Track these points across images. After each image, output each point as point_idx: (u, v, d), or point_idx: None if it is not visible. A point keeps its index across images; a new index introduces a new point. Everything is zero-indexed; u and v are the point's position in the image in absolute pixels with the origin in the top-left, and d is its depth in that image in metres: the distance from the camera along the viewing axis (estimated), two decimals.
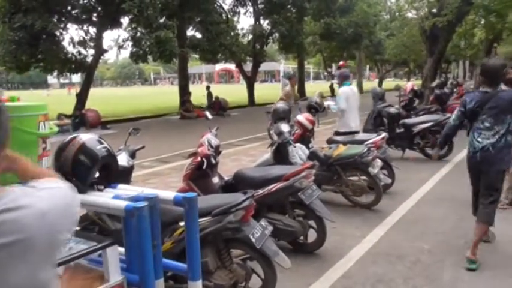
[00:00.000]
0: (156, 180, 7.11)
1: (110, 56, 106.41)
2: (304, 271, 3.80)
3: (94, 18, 17.52)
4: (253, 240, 2.97)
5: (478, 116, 3.77)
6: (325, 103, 7.47)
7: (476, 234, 3.79)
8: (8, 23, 15.05)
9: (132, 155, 3.91)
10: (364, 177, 5.42)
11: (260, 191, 3.96)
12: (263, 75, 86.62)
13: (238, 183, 4.24)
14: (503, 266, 3.78)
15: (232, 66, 42.84)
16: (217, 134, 4.68)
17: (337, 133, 6.92)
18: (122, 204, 1.80)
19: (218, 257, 3.12)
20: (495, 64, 3.81)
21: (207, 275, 3.05)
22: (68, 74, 19.61)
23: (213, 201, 3.18)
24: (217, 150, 4.44)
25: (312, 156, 5.66)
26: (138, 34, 16.03)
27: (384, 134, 6.30)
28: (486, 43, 29.32)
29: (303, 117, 6.32)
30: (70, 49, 17.54)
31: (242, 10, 23.45)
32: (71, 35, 63.46)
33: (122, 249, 1.89)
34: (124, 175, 3.51)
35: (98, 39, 17.60)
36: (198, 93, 21.02)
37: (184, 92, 19.25)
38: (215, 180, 4.43)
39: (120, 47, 17.83)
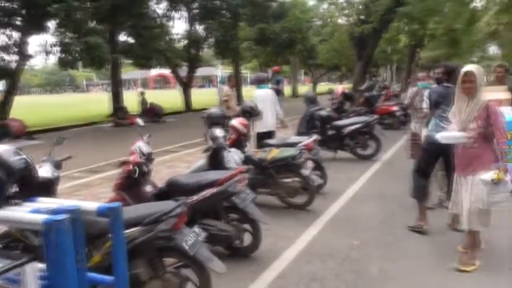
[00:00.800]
0: (85, 191, 6.83)
1: (37, 62, 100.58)
2: (240, 274, 3.83)
3: (18, 22, 16.51)
4: (186, 247, 2.95)
5: (440, 106, 4.54)
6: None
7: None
8: None
9: (58, 166, 3.72)
10: (297, 179, 5.57)
11: (194, 197, 3.94)
12: (200, 81, 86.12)
13: (171, 190, 4.18)
14: (435, 255, 4.04)
15: (167, 71, 42.10)
16: (149, 142, 4.59)
17: (257, 134, 7.47)
18: (40, 218, 1.72)
19: (150, 267, 3.06)
20: (453, 65, 4.71)
21: (140, 286, 2.99)
22: None
23: (144, 210, 3.12)
24: (149, 158, 4.35)
25: (247, 160, 5.73)
26: (67, 39, 15.30)
27: (315, 136, 6.51)
28: (410, 48, 31.30)
29: (237, 122, 6.38)
30: None
31: (176, 15, 23.21)
32: None
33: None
34: (48, 187, 3.34)
35: (22, 45, 16.58)
36: (132, 100, 20.47)
37: (117, 99, 18.66)
38: (148, 188, 4.34)
39: (47, 52, 16.90)
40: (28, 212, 1.87)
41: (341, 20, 22.37)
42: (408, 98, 7.35)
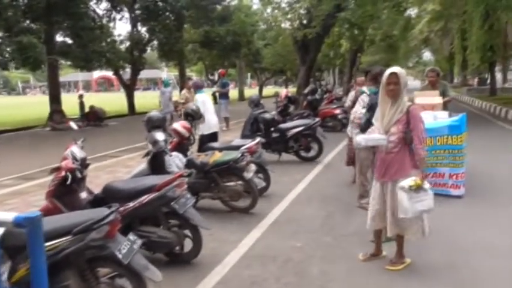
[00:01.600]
0: (16, 200, 6.41)
1: None
2: (181, 281, 3.73)
3: None
4: (120, 256, 2.83)
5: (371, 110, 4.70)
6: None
7: None
8: None
9: None
10: (240, 182, 5.54)
11: (131, 204, 3.80)
12: (145, 83, 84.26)
13: (108, 197, 4.01)
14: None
15: (110, 73, 40.86)
16: (84, 146, 4.37)
17: (202, 136, 7.74)
18: None
19: (82, 278, 2.90)
20: (377, 70, 4.73)
21: None
22: None
23: (75, 218, 2.95)
24: (83, 163, 4.15)
25: (189, 164, 5.63)
26: None
27: (258, 139, 6.52)
28: (351, 53, 32.38)
29: (179, 125, 6.26)
30: None
31: (118, 16, 22.51)
32: None
33: None
34: None
35: None
36: (73, 103, 19.60)
37: (55, 102, 17.78)
38: (83, 195, 4.14)
39: None
40: None
41: (284, 25, 22.69)
42: (349, 101, 7.56)
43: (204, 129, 7.78)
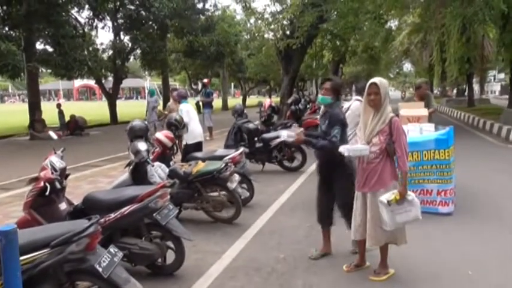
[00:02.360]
0: None
1: None
2: None
3: None
4: (100, 269, 2.75)
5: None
6: None
7: None
8: None
9: None
10: (223, 192, 5.49)
11: (112, 215, 3.72)
12: (128, 92, 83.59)
13: (88, 208, 3.92)
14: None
15: (93, 82, 40.44)
16: (64, 156, 4.28)
17: (187, 145, 7.64)
18: None
19: None
20: (338, 81, 4.44)
21: None
22: None
23: (54, 230, 2.86)
24: (63, 174, 4.06)
25: (172, 174, 5.56)
26: None
27: (241, 149, 6.49)
28: (333, 64, 32.74)
29: (162, 135, 6.19)
30: None
31: (100, 24, 22.33)
32: None
33: None
34: None
35: None
36: (52, 111, 19.29)
37: (35, 111, 17.46)
38: (62, 206, 4.04)
39: None
40: None
41: (268, 35, 22.83)
42: None
43: (188, 138, 7.72)
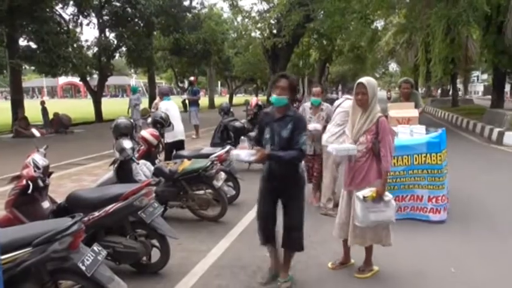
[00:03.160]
0: None
1: None
2: None
3: None
4: (84, 268, 2.73)
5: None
6: None
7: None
8: None
9: None
10: (209, 191, 5.48)
11: (96, 213, 3.69)
12: (113, 90, 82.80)
13: (72, 206, 3.87)
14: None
15: (77, 79, 39.97)
16: (47, 154, 4.23)
17: (167, 144, 7.33)
18: None
19: None
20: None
21: None
22: None
23: (36, 229, 2.82)
24: (46, 172, 4.00)
25: (157, 172, 5.53)
26: None
27: (228, 147, 6.48)
28: (320, 63, 32.92)
29: (147, 133, 6.16)
30: None
31: (85, 21, 22.03)
32: None
33: None
34: None
35: None
36: (36, 109, 19.01)
37: (18, 108, 17.18)
38: (45, 204, 3.99)
39: None
40: None
41: (255, 34, 22.86)
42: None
43: (168, 137, 7.50)
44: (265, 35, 20.57)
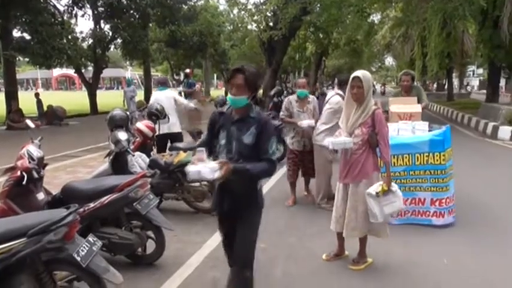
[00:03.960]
0: None
1: None
2: (143, 284, 3.65)
3: None
4: (78, 258, 2.72)
5: None
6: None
7: None
8: None
9: None
10: (205, 183, 5.48)
11: (91, 204, 3.69)
12: (109, 82, 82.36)
13: (67, 197, 3.87)
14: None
15: (72, 71, 39.75)
16: (41, 145, 4.21)
17: (157, 136, 6.79)
18: None
19: (38, 282, 2.77)
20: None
21: None
22: None
23: (31, 219, 2.81)
24: (40, 163, 3.99)
25: (153, 164, 5.52)
26: None
27: None
28: (316, 56, 32.87)
29: (143, 125, 6.14)
30: None
31: (80, 12, 21.85)
32: None
33: None
34: None
35: None
36: (30, 101, 18.90)
37: (11, 100, 17.07)
38: (40, 196, 3.98)
39: None
40: None
41: (251, 26, 22.78)
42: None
43: (163, 129, 7.05)
44: (262, 27, 20.48)
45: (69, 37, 19.68)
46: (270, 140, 2.71)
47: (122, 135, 5.08)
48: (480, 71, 43.15)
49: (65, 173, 7.81)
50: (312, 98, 6.03)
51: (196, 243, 4.52)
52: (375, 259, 4.00)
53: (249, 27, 23.28)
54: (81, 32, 23.49)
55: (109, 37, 22.71)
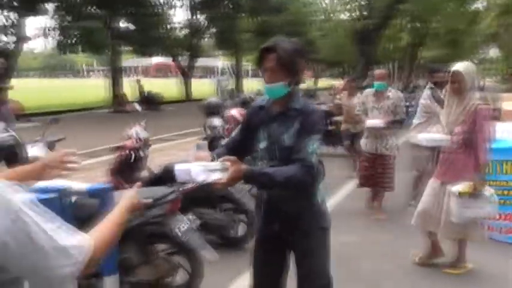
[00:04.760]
0: (81, 175, 6.74)
1: (36, 45, 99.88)
2: (232, 264, 3.78)
3: (15, 3, 16.33)
4: (179, 234, 2.91)
5: None
6: None
7: None
8: None
9: (50, 147, 3.67)
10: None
11: (189, 185, 3.89)
12: (201, 71, 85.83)
13: (166, 177, 4.12)
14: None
15: (169, 60, 42.08)
16: (146, 127, 4.54)
17: None
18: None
19: (142, 252, 3.02)
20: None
21: (130, 270, 2.95)
22: None
23: (140, 194, 3.05)
24: (145, 143, 4.32)
25: None
26: (65, 23, 15.17)
27: None
28: (411, 47, 31.17)
29: (236, 112, 6.33)
30: None
31: (178, 3, 23.00)
32: None
33: None
34: None
35: (19, 26, 16.42)
36: (131, 87, 20.41)
37: (116, 86, 18.57)
38: (144, 174, 4.31)
39: (45, 35, 16.76)
40: None
41: (344, 15, 22.26)
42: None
43: None
44: (355, 16, 19.94)
45: (168, 27, 20.83)
46: (309, 136, 2.00)
47: (217, 121, 5.30)
48: None
49: (162, 155, 8.32)
50: (393, 92, 5.15)
51: None
52: (476, 267, 3.73)
53: (342, 16, 22.78)
54: (179, 23, 24.75)
55: (204, 27, 23.63)
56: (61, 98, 23.66)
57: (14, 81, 16.95)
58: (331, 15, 23.16)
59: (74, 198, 2.14)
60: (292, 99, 2.09)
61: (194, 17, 23.71)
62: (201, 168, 1.86)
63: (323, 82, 44.46)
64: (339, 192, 6.10)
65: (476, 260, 3.75)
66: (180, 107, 20.36)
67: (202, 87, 28.91)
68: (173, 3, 22.74)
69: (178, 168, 1.91)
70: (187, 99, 23.60)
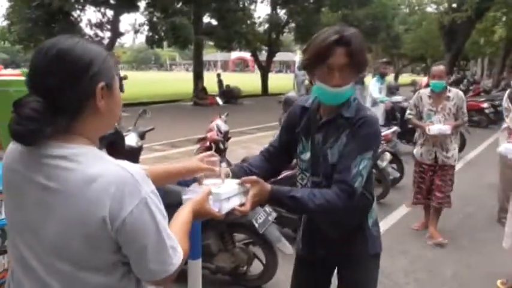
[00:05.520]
0: (166, 163, 7.19)
1: (126, 40, 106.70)
2: None
3: (112, 1, 17.61)
4: (256, 225, 3.00)
5: None
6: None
7: None
8: (25, 0, 15.14)
9: (142, 136, 3.95)
10: (373, 170, 5.40)
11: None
12: (278, 66, 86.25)
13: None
14: None
15: (247, 54, 42.78)
16: (227, 120, 4.71)
17: None
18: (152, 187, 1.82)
19: (221, 240, 3.17)
20: None
21: (209, 257, 3.11)
22: None
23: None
24: (226, 136, 4.48)
25: None
26: (154, 19, 16.05)
27: (394, 128, 6.27)
28: (506, 42, 28.73)
29: None
30: (87, 31, 17.67)
31: None
32: (89, 16, 63.50)
33: None
34: (132, 155, 3.55)
35: (114, 22, 17.69)
36: (211, 81, 21.11)
37: (198, 79, 19.31)
38: (223, 165, 4.47)
39: (136, 31, 17.89)
40: None
41: (430, 8, 21.10)
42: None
43: None
44: (443, 9, 18.83)
45: (249, 22, 21.20)
46: (357, 155, 1.61)
47: None
48: None
49: (240, 148, 8.55)
50: (454, 92, 4.29)
51: None
52: None
53: (428, 9, 21.62)
54: (259, 17, 25.10)
55: (283, 22, 23.72)
56: (148, 90, 25.12)
57: None
58: (416, 8, 22.04)
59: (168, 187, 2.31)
60: (343, 104, 1.68)
61: (274, 12, 23.86)
62: (212, 197, 1.41)
63: (404, 78, 42.62)
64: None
65: None
66: (258, 101, 20.67)
67: (279, 82, 29.09)
68: None
69: (185, 198, 1.46)
70: (265, 93, 23.88)
